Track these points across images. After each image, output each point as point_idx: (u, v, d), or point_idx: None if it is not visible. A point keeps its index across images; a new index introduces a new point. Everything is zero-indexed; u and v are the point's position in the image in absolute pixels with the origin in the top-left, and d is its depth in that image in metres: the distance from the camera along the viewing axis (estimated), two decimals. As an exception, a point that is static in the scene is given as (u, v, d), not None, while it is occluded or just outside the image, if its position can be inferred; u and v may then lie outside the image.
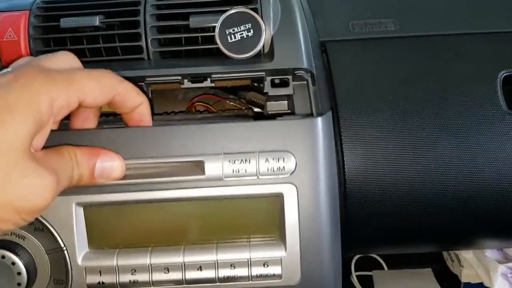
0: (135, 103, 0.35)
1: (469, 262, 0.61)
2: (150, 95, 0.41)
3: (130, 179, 0.36)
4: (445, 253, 0.68)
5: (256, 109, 0.46)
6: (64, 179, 0.31)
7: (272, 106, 0.43)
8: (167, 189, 0.37)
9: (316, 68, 0.41)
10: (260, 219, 0.38)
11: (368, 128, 0.42)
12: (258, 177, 0.36)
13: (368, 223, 0.44)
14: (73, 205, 0.37)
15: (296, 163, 0.36)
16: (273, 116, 0.39)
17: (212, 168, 0.36)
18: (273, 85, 0.40)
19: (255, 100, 0.58)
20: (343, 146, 0.42)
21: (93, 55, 0.43)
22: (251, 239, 0.39)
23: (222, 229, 0.39)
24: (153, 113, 0.55)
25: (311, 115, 0.38)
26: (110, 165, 0.35)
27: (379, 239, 0.47)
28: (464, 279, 0.62)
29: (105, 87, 0.32)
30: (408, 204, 0.42)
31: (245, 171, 0.36)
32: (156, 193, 0.37)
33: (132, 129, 0.36)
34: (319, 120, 0.37)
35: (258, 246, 0.38)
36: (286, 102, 0.43)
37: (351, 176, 0.42)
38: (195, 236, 0.39)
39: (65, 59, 0.33)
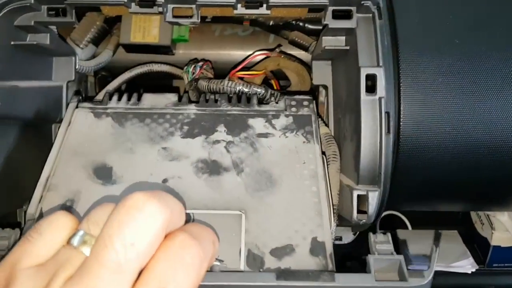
0: None
1: (503, 224, 0.60)
2: (198, 20, 0.38)
3: None
4: (473, 215, 0.66)
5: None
6: None
7: (329, 41, 0.40)
8: None
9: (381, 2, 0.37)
10: None
11: (429, 73, 0.39)
12: None
13: (417, 174, 0.41)
14: None
15: None
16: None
17: None
18: (334, 16, 0.37)
19: (298, 40, 0.54)
20: (401, 91, 0.39)
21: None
22: None
23: None
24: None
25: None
26: None
27: (423, 193, 0.45)
28: (494, 242, 0.61)
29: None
30: (463, 156, 0.40)
31: None
32: None
33: None
34: None
35: None
36: (344, 37, 0.40)
37: (406, 123, 0.39)
38: None
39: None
